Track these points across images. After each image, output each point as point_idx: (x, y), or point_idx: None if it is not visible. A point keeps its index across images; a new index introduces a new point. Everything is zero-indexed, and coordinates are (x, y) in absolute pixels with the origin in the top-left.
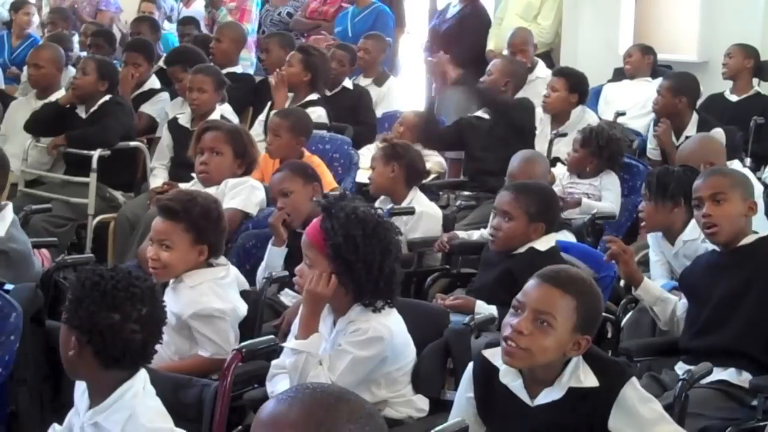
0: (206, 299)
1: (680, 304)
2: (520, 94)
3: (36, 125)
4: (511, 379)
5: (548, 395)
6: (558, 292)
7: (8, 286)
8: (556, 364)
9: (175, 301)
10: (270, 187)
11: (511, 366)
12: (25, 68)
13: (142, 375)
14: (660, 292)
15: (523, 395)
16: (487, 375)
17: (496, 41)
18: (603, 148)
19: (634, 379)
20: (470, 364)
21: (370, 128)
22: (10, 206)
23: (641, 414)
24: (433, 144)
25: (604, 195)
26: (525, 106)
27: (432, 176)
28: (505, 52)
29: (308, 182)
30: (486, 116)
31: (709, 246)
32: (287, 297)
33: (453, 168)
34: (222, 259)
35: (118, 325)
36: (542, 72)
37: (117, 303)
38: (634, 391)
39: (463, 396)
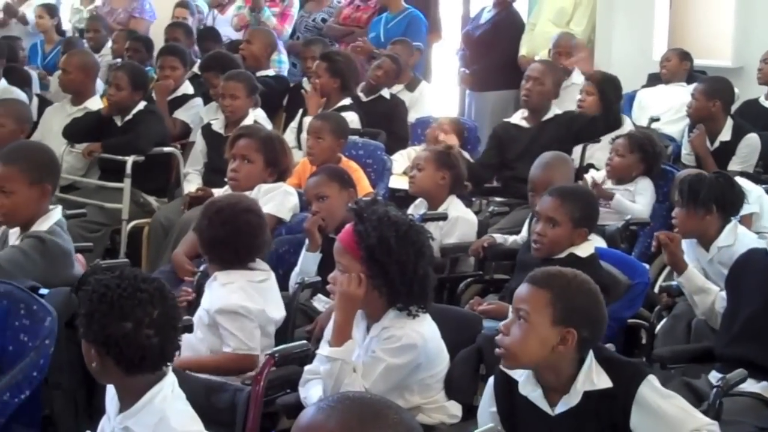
0: (235, 296)
1: (720, 296)
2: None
3: (74, 132)
4: (530, 390)
5: (566, 402)
6: (531, 287)
7: (43, 291)
8: (564, 367)
9: (207, 298)
10: (305, 190)
11: (506, 368)
12: (55, 73)
13: (171, 379)
14: (702, 282)
15: (544, 405)
16: (507, 388)
17: (528, 47)
18: (650, 155)
19: (651, 377)
20: (491, 379)
21: (402, 141)
22: (59, 208)
23: (665, 411)
24: (484, 179)
25: (638, 199)
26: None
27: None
28: (542, 54)
29: (344, 188)
30: (526, 125)
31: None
32: (320, 302)
33: None
34: (263, 264)
35: (131, 333)
36: (578, 78)
37: (126, 311)
38: (652, 390)
39: (486, 411)
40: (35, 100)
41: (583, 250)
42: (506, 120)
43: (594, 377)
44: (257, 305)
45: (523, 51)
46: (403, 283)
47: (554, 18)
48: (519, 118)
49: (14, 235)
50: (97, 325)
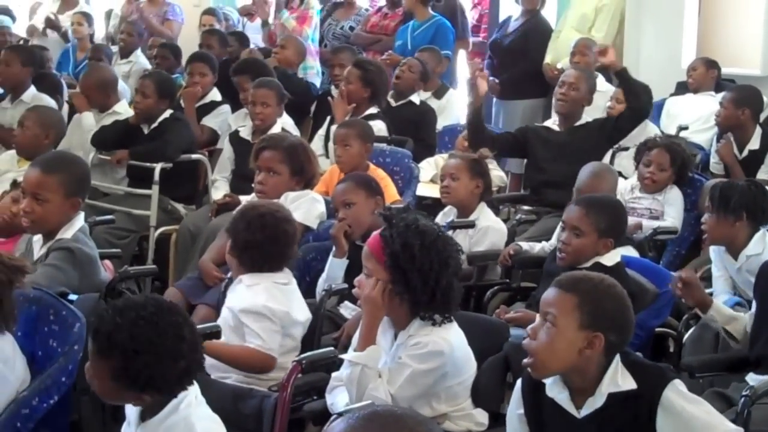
0: (259, 297)
1: (747, 316)
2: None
3: (102, 140)
4: (557, 392)
5: (591, 404)
6: (559, 291)
7: (72, 297)
8: (591, 370)
9: (231, 299)
10: (333, 197)
11: (535, 377)
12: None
13: (194, 387)
14: (730, 311)
15: (570, 408)
16: (534, 390)
17: (553, 55)
18: (683, 165)
19: (677, 381)
20: (518, 381)
21: (430, 148)
22: (81, 215)
23: (691, 415)
24: (484, 145)
25: (667, 210)
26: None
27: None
28: (564, 62)
29: (371, 195)
30: (557, 128)
31: None
32: (347, 309)
33: (513, 182)
34: (287, 272)
35: (169, 370)
36: (602, 86)
37: (165, 351)
38: (678, 393)
39: (515, 413)
40: (65, 107)
41: (609, 259)
42: (538, 124)
43: (619, 379)
44: (282, 306)
45: (548, 59)
46: (424, 292)
47: (577, 24)
48: (551, 122)
49: (38, 243)
50: (146, 376)
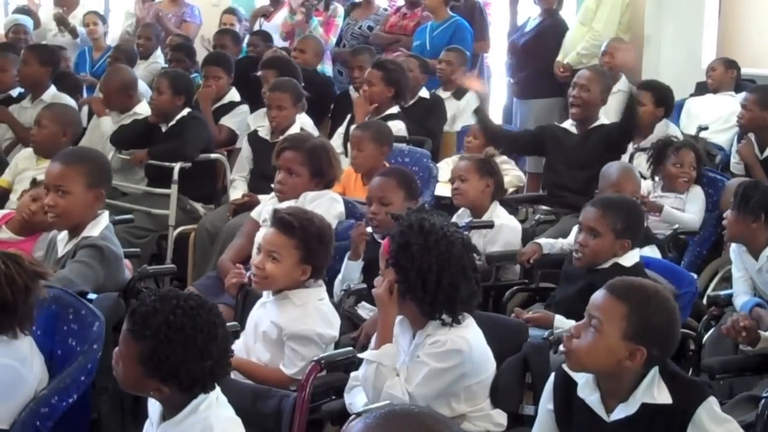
0: (311, 321)
1: None
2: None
3: (121, 139)
4: (588, 393)
5: (623, 410)
6: (610, 297)
7: (92, 296)
8: (627, 376)
9: (279, 315)
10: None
11: (569, 367)
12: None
13: (216, 388)
14: None
15: (600, 410)
16: (566, 388)
17: (563, 52)
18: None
19: (711, 399)
20: (552, 375)
21: (436, 136)
22: (106, 213)
23: None
24: (501, 142)
25: (688, 208)
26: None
27: (510, 190)
28: (570, 57)
29: (409, 199)
30: (573, 130)
31: None
32: (364, 309)
33: (532, 182)
34: (320, 282)
35: (200, 366)
36: (624, 86)
37: (199, 347)
38: (709, 413)
39: (545, 407)
40: (84, 106)
41: (628, 259)
42: (556, 124)
43: (655, 391)
44: (331, 330)
45: (559, 56)
46: (425, 292)
47: (582, 17)
48: (569, 124)
49: (62, 242)
50: (174, 367)
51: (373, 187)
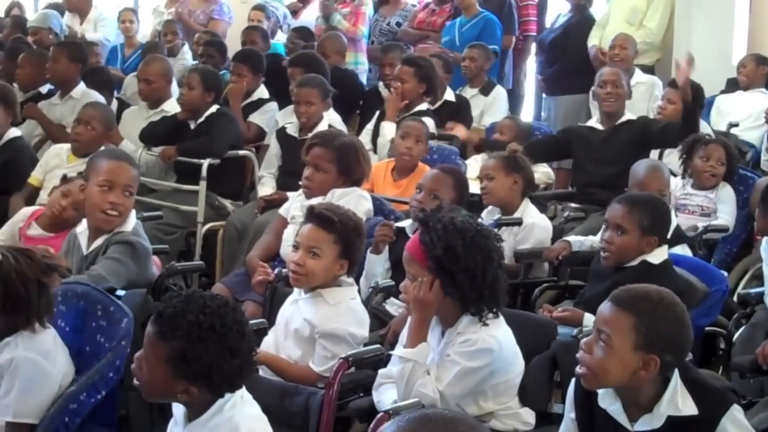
0: (344, 320)
1: None
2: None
3: (151, 136)
4: (609, 402)
5: (647, 423)
6: (616, 308)
7: (120, 292)
8: (647, 385)
9: (312, 312)
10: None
11: (587, 387)
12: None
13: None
14: None
15: (623, 419)
16: (586, 398)
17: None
18: (732, 163)
19: (735, 407)
20: (572, 385)
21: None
22: (133, 211)
23: None
24: (537, 158)
25: (721, 208)
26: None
27: (540, 187)
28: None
29: (458, 202)
30: (600, 127)
31: None
32: (392, 306)
33: (560, 178)
34: (350, 279)
35: (227, 365)
36: (641, 77)
37: (226, 346)
38: (733, 422)
39: (568, 415)
40: (114, 102)
41: (656, 257)
42: (579, 124)
43: (679, 401)
44: (362, 331)
45: (594, 41)
46: (472, 290)
47: (628, 17)
48: (594, 121)
49: (83, 236)
50: (204, 366)
51: (428, 178)
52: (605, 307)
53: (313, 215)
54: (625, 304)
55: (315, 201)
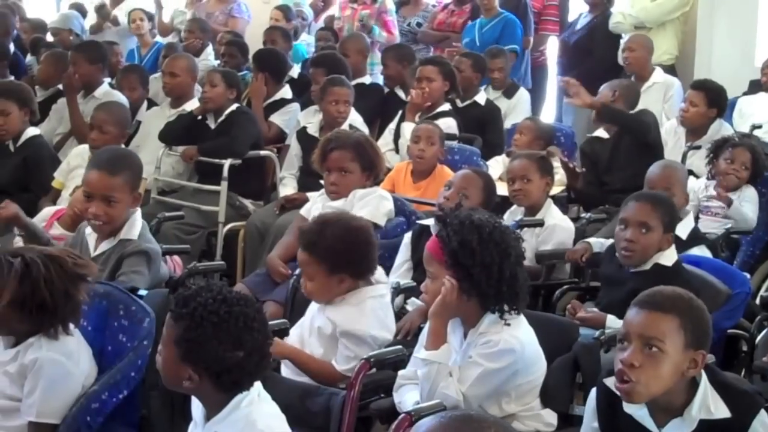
0: (366, 321)
1: None
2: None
3: (169, 135)
4: (635, 408)
5: (678, 427)
6: (659, 314)
7: (142, 292)
8: (678, 389)
9: (334, 311)
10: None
11: (630, 402)
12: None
13: (256, 384)
14: None
15: (650, 425)
16: (610, 404)
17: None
18: (759, 164)
19: (764, 411)
20: (592, 393)
21: (496, 147)
22: (139, 212)
23: None
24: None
25: (744, 205)
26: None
27: (561, 188)
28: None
29: (485, 206)
30: (606, 135)
31: None
32: (413, 306)
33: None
34: (382, 276)
35: (240, 359)
36: (659, 77)
37: (236, 338)
38: (763, 425)
39: (589, 426)
40: (144, 102)
41: (667, 258)
42: (588, 135)
43: (711, 405)
44: (385, 333)
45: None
46: (489, 285)
47: None
48: (600, 130)
49: (92, 237)
50: (206, 351)
51: (459, 176)
52: (641, 315)
53: (300, 237)
54: (664, 306)
55: (338, 203)
